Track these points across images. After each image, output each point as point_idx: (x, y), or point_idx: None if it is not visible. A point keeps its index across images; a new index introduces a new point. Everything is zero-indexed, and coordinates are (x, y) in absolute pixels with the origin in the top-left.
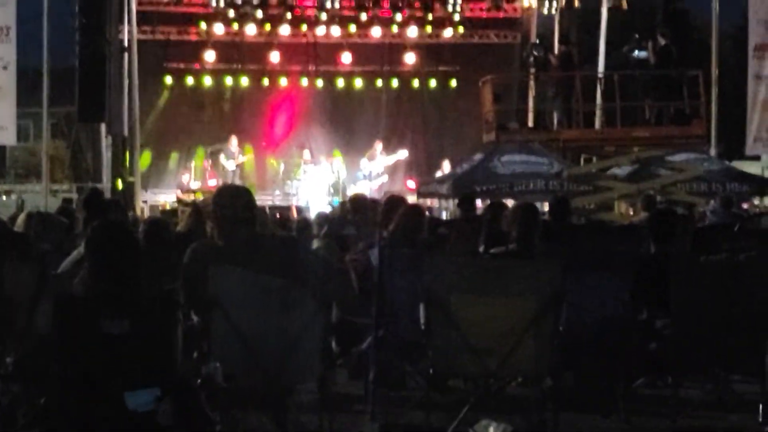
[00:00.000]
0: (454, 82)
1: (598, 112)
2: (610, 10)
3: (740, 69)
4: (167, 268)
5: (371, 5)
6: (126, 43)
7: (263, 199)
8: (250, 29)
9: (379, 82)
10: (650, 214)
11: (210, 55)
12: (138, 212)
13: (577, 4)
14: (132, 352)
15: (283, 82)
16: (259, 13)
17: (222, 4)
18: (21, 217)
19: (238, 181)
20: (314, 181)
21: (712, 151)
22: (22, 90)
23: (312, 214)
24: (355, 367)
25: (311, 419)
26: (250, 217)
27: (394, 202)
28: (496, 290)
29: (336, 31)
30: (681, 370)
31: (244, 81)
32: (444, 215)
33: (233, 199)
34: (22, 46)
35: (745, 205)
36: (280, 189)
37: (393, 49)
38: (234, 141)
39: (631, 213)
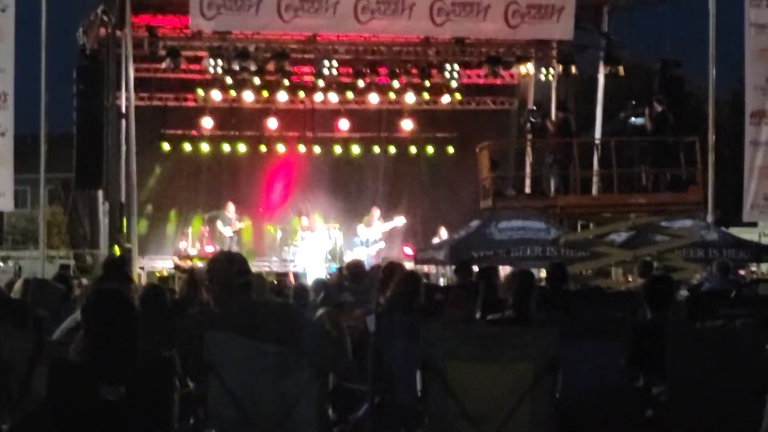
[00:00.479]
0: (451, 149)
1: (595, 179)
2: (607, 76)
3: (737, 135)
4: (164, 335)
5: (368, 72)
6: (124, 110)
7: (260, 266)
8: (248, 96)
9: (377, 149)
10: (646, 281)
11: (207, 122)
12: (135, 279)
13: (574, 70)
14: (128, 418)
15: (281, 148)
16: (257, 80)
17: (219, 70)
18: (18, 284)
19: (235, 248)
20: (311, 247)
21: (709, 218)
22: (20, 156)
23: (309, 281)
24: None
25: None
26: (246, 283)
27: (392, 268)
28: (492, 357)
29: (333, 97)
30: None
31: (242, 147)
32: (441, 282)
33: (228, 266)
34: (20, 111)
35: (742, 272)
36: (277, 255)
37: (390, 116)
38: (231, 208)
39: (628, 279)
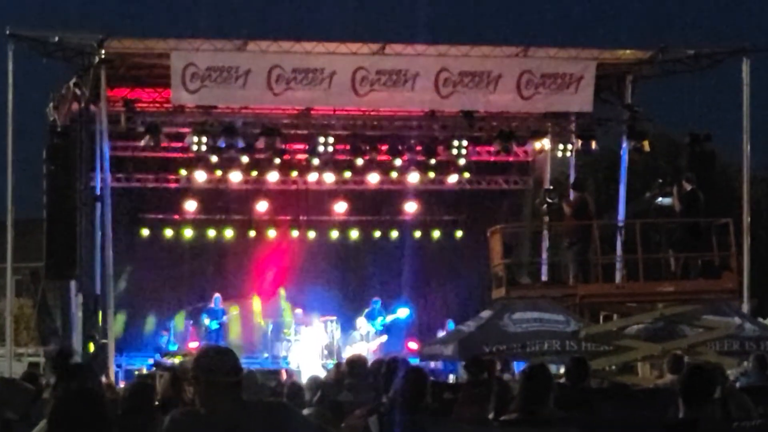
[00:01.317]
0: (459, 233)
1: (618, 265)
2: (630, 152)
3: None
4: None
5: (368, 149)
6: (98, 192)
7: (250, 363)
8: (235, 176)
9: (377, 233)
10: (684, 372)
11: (191, 205)
12: (111, 378)
13: (594, 146)
14: None
15: (272, 233)
16: (245, 159)
17: (204, 148)
18: None
19: (222, 343)
20: (306, 342)
21: (745, 307)
22: None
23: (304, 379)
24: None
25: None
26: (236, 382)
27: (395, 364)
28: None
29: (329, 177)
30: None
31: (229, 233)
32: (450, 379)
33: (216, 362)
34: None
35: None
36: (268, 351)
37: (392, 197)
38: (217, 299)
39: (657, 376)
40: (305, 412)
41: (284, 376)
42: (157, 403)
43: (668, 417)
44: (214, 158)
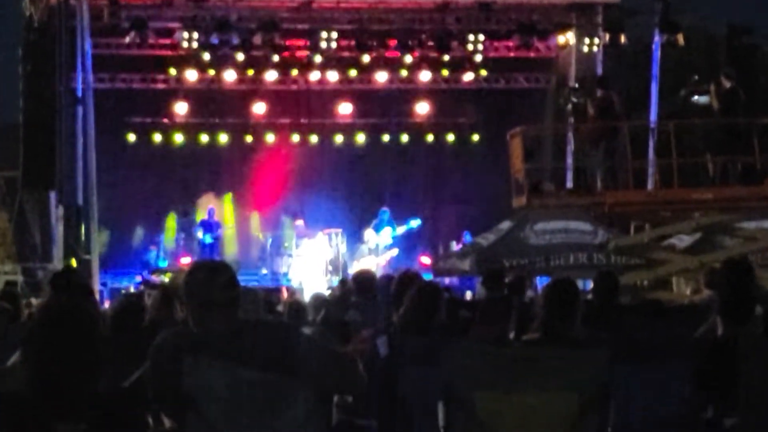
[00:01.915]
0: (476, 136)
1: (650, 170)
2: (663, 46)
3: None
4: (139, 360)
5: (375, 45)
6: (80, 94)
7: (247, 280)
8: (229, 75)
9: (386, 137)
10: (726, 283)
11: (181, 107)
12: (96, 297)
13: (623, 40)
14: None
15: (270, 138)
16: (240, 56)
17: (195, 45)
18: None
19: (216, 258)
20: (309, 257)
21: None
22: None
23: (306, 297)
24: None
25: None
26: (232, 299)
27: (407, 280)
28: (529, 386)
29: (333, 76)
30: None
31: (223, 138)
32: (467, 296)
33: (210, 279)
34: None
35: None
36: (267, 267)
37: (402, 97)
38: (212, 211)
39: (693, 291)
40: (316, 331)
41: (285, 294)
42: (145, 324)
43: (706, 334)
44: (207, 56)
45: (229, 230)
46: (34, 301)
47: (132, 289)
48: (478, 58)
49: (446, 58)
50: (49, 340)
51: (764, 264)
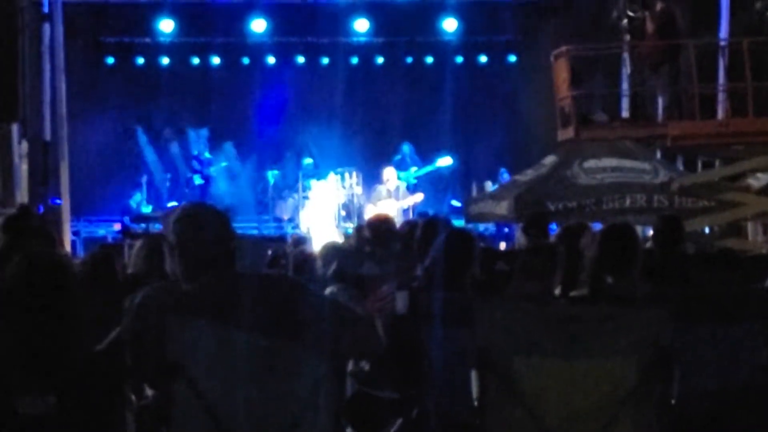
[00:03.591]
0: (512, 57)
1: (720, 96)
2: None
3: None
4: (114, 321)
5: None
6: (46, 10)
7: (246, 228)
8: None
9: (409, 59)
10: None
11: (167, 25)
12: (67, 248)
13: None
14: None
15: (271, 60)
16: None
17: None
18: None
19: (208, 201)
20: (319, 200)
21: None
22: None
23: (315, 247)
24: None
25: None
26: (228, 252)
27: (433, 226)
28: (578, 350)
29: None
30: None
31: (216, 60)
32: (503, 246)
33: (199, 223)
34: None
35: None
36: (269, 212)
37: (426, 12)
38: (202, 144)
39: None
40: (328, 290)
41: (291, 244)
42: (124, 279)
43: None
44: None
45: (223, 168)
46: None
47: (110, 240)
48: None
49: None
50: (18, 304)
51: None
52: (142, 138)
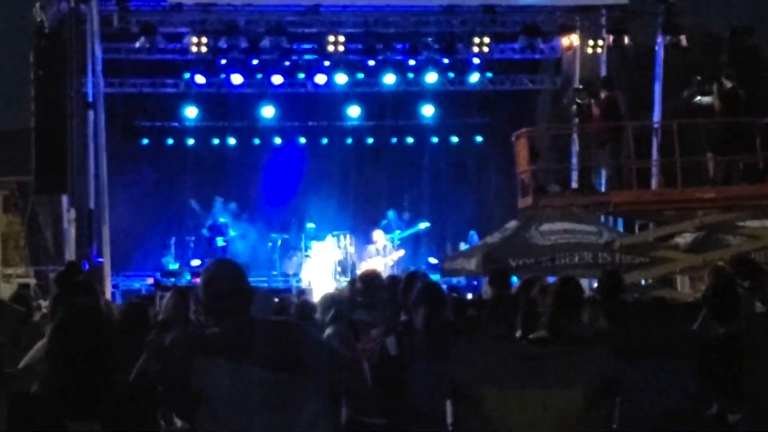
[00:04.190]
0: (480, 138)
1: (654, 170)
2: (666, 48)
3: None
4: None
5: (382, 48)
6: (91, 98)
7: (258, 282)
8: (238, 79)
9: (393, 140)
10: (708, 288)
11: (191, 111)
12: (108, 298)
13: (627, 41)
14: None
15: (278, 141)
16: (248, 60)
17: (204, 50)
18: None
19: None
20: (318, 257)
21: None
22: None
23: (315, 297)
24: None
25: None
26: (242, 300)
27: (414, 279)
28: (535, 382)
29: (341, 79)
30: None
31: (232, 140)
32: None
33: (219, 278)
34: None
35: None
36: (277, 268)
37: (408, 100)
38: (222, 213)
39: (697, 289)
40: (326, 332)
41: (295, 294)
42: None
43: (709, 332)
44: (215, 60)
45: (239, 233)
46: (43, 303)
47: (143, 292)
48: (484, 60)
49: (452, 60)
50: (67, 342)
51: (767, 261)
52: (195, 207)
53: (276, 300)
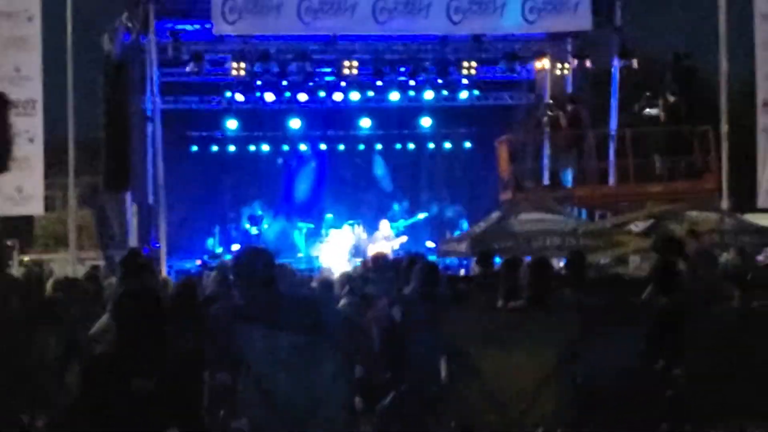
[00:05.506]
0: (468, 143)
1: (611, 169)
2: (621, 69)
3: (749, 124)
4: (197, 329)
5: (388, 71)
6: (149, 113)
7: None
8: (270, 97)
9: (398, 146)
10: (653, 266)
11: (232, 123)
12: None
13: (589, 64)
14: (159, 409)
15: (303, 147)
16: (279, 81)
17: (242, 73)
18: (49, 284)
19: (260, 245)
20: (336, 243)
21: (724, 204)
22: (50, 161)
23: (334, 275)
24: (380, 423)
25: None
26: (271, 276)
27: (414, 260)
28: (514, 343)
29: (354, 96)
30: (699, 417)
31: (265, 147)
32: (461, 273)
33: (253, 260)
34: (50, 116)
35: (760, 257)
36: (303, 252)
37: (410, 113)
38: (257, 206)
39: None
40: (342, 302)
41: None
42: (203, 299)
43: (656, 302)
44: (252, 82)
45: (270, 222)
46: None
47: (193, 272)
48: (471, 80)
49: (446, 81)
50: (130, 314)
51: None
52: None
53: (301, 278)
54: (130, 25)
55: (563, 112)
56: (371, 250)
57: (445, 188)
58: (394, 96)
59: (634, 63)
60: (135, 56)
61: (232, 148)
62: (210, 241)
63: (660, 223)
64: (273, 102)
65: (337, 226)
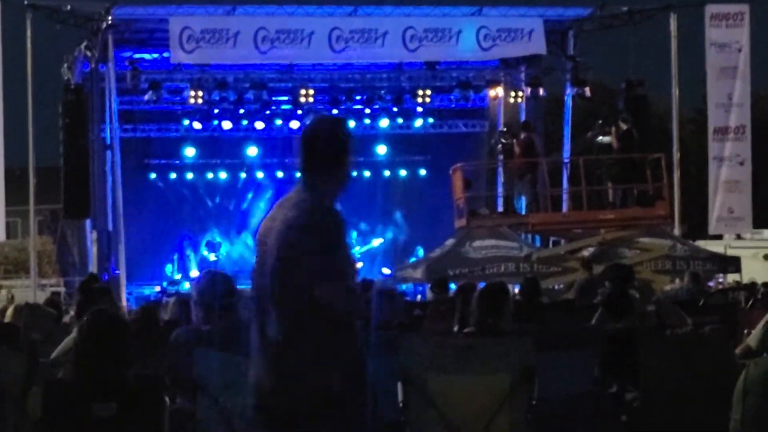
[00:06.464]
0: (423, 171)
1: (564, 196)
2: (573, 97)
3: (701, 152)
4: (156, 354)
5: (344, 99)
6: (109, 141)
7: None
8: (227, 125)
9: (354, 173)
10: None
11: (190, 151)
12: (124, 303)
13: (542, 92)
14: None
15: (260, 175)
16: (236, 110)
17: (200, 101)
18: (10, 309)
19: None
20: None
21: (676, 231)
22: (10, 189)
23: None
24: None
25: None
26: (230, 302)
27: (367, 286)
28: (469, 369)
29: None
30: None
31: (223, 175)
32: (418, 298)
33: (212, 286)
34: (10, 144)
35: (711, 283)
36: None
37: (365, 141)
38: (215, 232)
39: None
40: None
41: None
42: (166, 323)
43: (608, 327)
44: (210, 109)
45: (228, 249)
46: (71, 308)
47: (152, 298)
48: (426, 108)
49: (401, 108)
50: (92, 339)
51: (657, 270)
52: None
53: None
54: (89, 53)
55: (517, 140)
56: None
57: (401, 215)
58: (350, 124)
59: (587, 91)
60: (94, 85)
61: (190, 175)
62: (169, 268)
63: (613, 249)
64: (230, 130)
65: None
